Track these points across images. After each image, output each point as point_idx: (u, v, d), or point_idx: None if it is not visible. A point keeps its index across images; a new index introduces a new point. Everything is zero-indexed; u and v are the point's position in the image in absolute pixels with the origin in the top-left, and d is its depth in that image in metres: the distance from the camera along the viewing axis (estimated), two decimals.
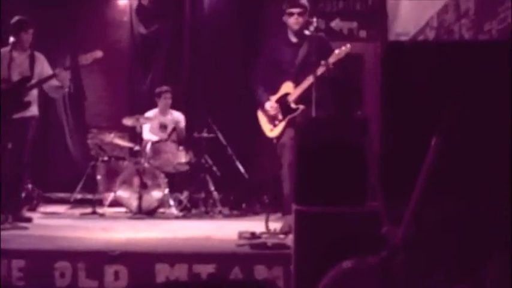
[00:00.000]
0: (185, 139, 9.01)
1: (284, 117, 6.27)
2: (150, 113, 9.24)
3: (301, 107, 6.04)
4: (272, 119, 6.37)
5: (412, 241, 3.00)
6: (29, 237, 6.13)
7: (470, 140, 3.14)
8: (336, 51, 5.94)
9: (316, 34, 6.39)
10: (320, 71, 5.86)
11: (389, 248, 2.99)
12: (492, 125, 3.13)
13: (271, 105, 6.33)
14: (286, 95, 6.24)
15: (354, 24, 10.24)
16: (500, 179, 3.08)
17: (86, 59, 7.39)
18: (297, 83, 6.12)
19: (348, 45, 5.95)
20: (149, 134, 9.07)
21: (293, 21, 6.25)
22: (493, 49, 3.40)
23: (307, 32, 6.26)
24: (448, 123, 3.02)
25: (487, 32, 5.37)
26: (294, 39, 6.35)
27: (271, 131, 6.42)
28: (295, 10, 6.24)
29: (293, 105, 6.13)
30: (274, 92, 6.39)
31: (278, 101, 6.33)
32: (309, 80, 5.95)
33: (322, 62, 5.85)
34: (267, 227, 6.13)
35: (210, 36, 10.58)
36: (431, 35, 7.20)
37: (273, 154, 8.16)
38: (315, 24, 6.20)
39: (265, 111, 6.43)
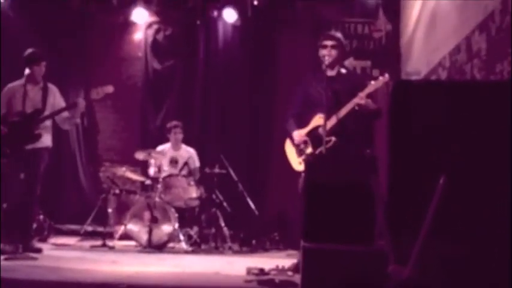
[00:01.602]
0: (198, 175, 9.04)
1: (314, 150, 5.97)
2: (162, 147, 9.27)
3: (333, 139, 5.78)
4: (301, 152, 6.10)
5: (416, 281, 2.99)
6: (38, 268, 6.13)
7: (474, 180, 3.14)
8: (373, 82, 5.86)
9: (350, 70, 6.35)
10: (357, 101, 5.77)
11: (392, 286, 2.99)
12: (497, 167, 3.13)
13: (299, 133, 6.10)
14: (317, 127, 5.97)
15: (368, 63, 10.31)
16: (502, 220, 3.08)
17: (97, 93, 7.48)
18: (329, 114, 5.81)
19: (386, 75, 5.89)
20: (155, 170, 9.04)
21: (326, 53, 6.09)
22: (501, 89, 3.41)
23: (343, 70, 6.24)
24: (454, 164, 3.04)
25: (498, 72, 5.39)
26: (328, 73, 6.07)
27: (299, 164, 6.07)
28: (329, 43, 6.11)
29: (325, 137, 5.75)
30: (305, 126, 6.16)
31: (308, 134, 6.08)
32: (344, 111, 5.83)
33: (359, 94, 5.76)
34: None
35: (223, 73, 10.71)
36: (443, 75, 7.23)
37: (284, 191, 8.20)
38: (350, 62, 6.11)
39: (293, 144, 6.18)
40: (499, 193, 3.13)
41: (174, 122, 9.37)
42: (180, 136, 9.32)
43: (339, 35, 6.33)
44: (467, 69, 6.26)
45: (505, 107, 3.21)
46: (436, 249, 3.09)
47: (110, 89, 7.55)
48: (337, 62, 6.18)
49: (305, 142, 6.06)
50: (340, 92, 5.99)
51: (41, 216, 8.63)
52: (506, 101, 3.22)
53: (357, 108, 5.80)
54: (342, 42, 6.24)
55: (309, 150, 6.02)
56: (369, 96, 5.82)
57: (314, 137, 5.98)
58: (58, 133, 8.01)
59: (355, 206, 4.04)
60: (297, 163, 6.10)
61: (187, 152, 9.35)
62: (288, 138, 6.27)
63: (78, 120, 7.91)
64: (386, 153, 3.63)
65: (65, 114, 7.46)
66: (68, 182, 10.64)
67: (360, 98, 5.76)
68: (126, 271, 6.10)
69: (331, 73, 6.09)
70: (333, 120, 5.84)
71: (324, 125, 5.69)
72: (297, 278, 4.87)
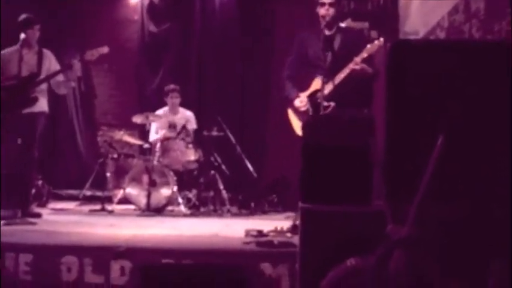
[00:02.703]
0: (195, 138, 9.03)
1: (314, 114, 5.92)
2: (160, 111, 9.25)
3: (332, 104, 5.72)
4: (303, 116, 6.00)
5: (413, 240, 3.00)
6: (37, 233, 6.18)
7: (473, 140, 3.13)
8: (368, 46, 5.76)
9: (349, 27, 6.27)
10: (352, 66, 5.72)
11: (386, 245, 3.00)
12: (496, 126, 3.12)
13: (301, 100, 6.02)
14: (317, 91, 5.89)
15: (366, 25, 10.21)
16: (503, 180, 3.07)
17: (92, 54, 7.46)
18: (328, 78, 5.78)
19: (381, 39, 5.80)
20: (155, 134, 9.02)
21: (324, 12, 5.92)
22: (499, 49, 3.38)
23: (342, 25, 6.13)
24: (452, 123, 3.02)
25: (496, 32, 5.35)
26: (326, 32, 5.95)
27: (301, 129, 5.90)
28: (327, 0, 5.94)
29: (324, 103, 5.72)
30: (304, 88, 6.09)
31: (308, 97, 6.02)
32: (340, 77, 5.77)
33: (355, 58, 5.70)
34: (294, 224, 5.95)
35: (219, 35, 10.64)
36: (441, 35, 7.18)
37: (282, 154, 8.20)
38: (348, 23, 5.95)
39: (295, 108, 6.09)
40: (497, 153, 3.13)
41: (172, 86, 9.32)
42: (178, 100, 9.28)
43: None
44: (466, 29, 6.21)
45: (503, 66, 3.19)
46: (434, 209, 3.09)
47: (105, 49, 7.52)
48: (335, 20, 6.05)
49: (306, 105, 5.99)
50: (339, 51, 5.91)
51: (40, 182, 8.65)
52: (504, 61, 3.20)
53: (352, 73, 5.74)
54: (339, 0, 6.12)
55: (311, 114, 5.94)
56: (364, 60, 5.75)
57: (313, 101, 5.92)
58: (55, 98, 8.00)
59: (352, 167, 4.04)
60: (299, 128, 5.97)
61: (186, 115, 9.31)
62: (289, 105, 6.17)
63: (73, 84, 7.87)
64: (384, 113, 3.62)
65: (60, 77, 7.44)
66: (65, 147, 10.65)
67: (355, 63, 5.72)
68: (124, 234, 6.14)
69: (329, 32, 5.98)
70: (330, 85, 5.77)
71: (322, 90, 5.65)
72: (296, 239, 4.89)
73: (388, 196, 3.38)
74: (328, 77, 5.77)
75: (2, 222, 6.50)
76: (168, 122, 9.14)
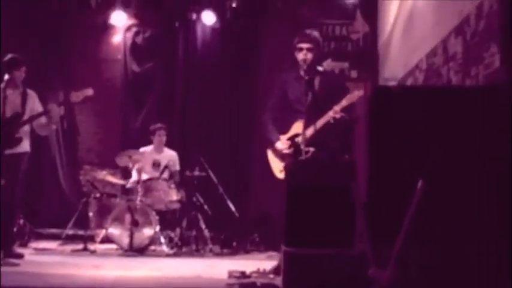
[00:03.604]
0: (178, 178, 9.07)
1: (294, 158, 5.84)
2: (143, 150, 9.28)
3: (311, 149, 5.71)
4: (283, 159, 6.01)
5: (396, 284, 3.05)
6: (20, 274, 6.16)
7: (452, 184, 3.21)
8: (348, 96, 5.75)
9: (328, 70, 6.28)
10: (331, 115, 5.74)
11: None
12: (474, 170, 3.20)
13: (283, 142, 6.03)
14: (297, 135, 5.92)
15: (346, 65, 10.38)
16: (480, 223, 3.15)
17: (77, 96, 7.49)
18: (307, 122, 5.78)
19: (361, 91, 5.80)
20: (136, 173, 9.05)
21: (302, 56, 5.99)
22: (476, 95, 3.48)
23: (319, 68, 6.17)
24: (432, 168, 3.10)
25: (473, 76, 5.47)
26: (305, 75, 5.98)
27: (281, 172, 6.00)
28: (305, 45, 5.99)
29: (303, 147, 5.72)
30: (284, 130, 6.12)
31: (289, 140, 6.03)
32: (320, 123, 5.79)
33: (334, 107, 5.71)
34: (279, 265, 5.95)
35: (202, 75, 10.73)
36: (420, 77, 7.30)
37: (264, 193, 8.23)
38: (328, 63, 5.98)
39: (275, 151, 6.12)
40: (474, 196, 3.20)
41: (159, 124, 9.41)
42: (164, 138, 9.35)
43: (315, 33, 6.18)
44: (444, 72, 6.34)
45: (480, 111, 3.28)
46: (414, 252, 3.15)
47: (89, 91, 7.56)
48: (314, 64, 6.11)
49: (288, 148, 6.00)
50: (319, 95, 5.94)
51: (21, 221, 8.60)
52: (481, 106, 3.29)
53: (332, 121, 5.77)
54: (318, 43, 6.14)
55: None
56: (344, 108, 5.76)
57: (294, 145, 5.94)
58: (38, 136, 7.99)
59: (334, 210, 4.10)
60: (279, 171, 6.05)
61: (170, 155, 9.37)
62: (269, 147, 6.20)
63: (54, 127, 7.89)
64: (365, 158, 3.69)
65: (43, 120, 7.44)
66: (48, 186, 10.59)
67: (335, 112, 5.74)
68: (108, 276, 6.13)
69: (308, 76, 5.99)
70: (310, 130, 5.81)
71: (303, 134, 5.70)
72: (279, 281, 4.91)
73: (370, 239, 3.44)
74: (308, 120, 5.80)
75: None
76: (152, 160, 9.18)
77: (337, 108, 5.73)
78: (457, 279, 3.17)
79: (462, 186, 3.25)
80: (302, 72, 6.04)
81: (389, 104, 3.46)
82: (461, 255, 3.18)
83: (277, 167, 6.09)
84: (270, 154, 6.21)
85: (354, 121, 5.92)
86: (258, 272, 6.03)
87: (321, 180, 4.18)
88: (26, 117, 7.36)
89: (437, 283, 3.19)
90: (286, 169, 5.21)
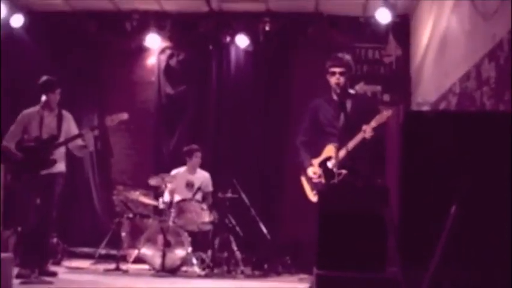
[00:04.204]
0: (211, 199, 9.13)
1: (327, 181, 5.95)
2: (175, 171, 9.38)
3: (344, 172, 5.77)
4: (315, 184, 6.04)
5: None
6: None
7: (485, 208, 3.21)
8: (377, 116, 5.75)
9: (360, 93, 6.26)
10: (361, 135, 5.75)
11: None
12: (506, 194, 3.20)
13: (314, 171, 6.06)
14: (329, 158, 5.97)
15: (378, 88, 10.39)
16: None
17: (112, 120, 7.61)
18: (340, 145, 5.84)
19: (390, 111, 5.83)
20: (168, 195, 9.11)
21: (335, 80, 6.02)
22: (510, 120, 3.47)
23: (351, 91, 6.20)
24: (464, 193, 3.11)
25: (507, 101, 5.46)
26: (336, 98, 6.09)
27: (314, 195, 6.02)
28: (337, 70, 6.01)
29: (335, 170, 5.79)
30: (316, 153, 6.14)
31: (321, 164, 6.06)
32: (350, 145, 5.82)
33: (364, 127, 5.73)
34: None
35: (235, 98, 10.84)
36: (453, 101, 7.30)
37: (296, 216, 8.25)
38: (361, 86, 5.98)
39: (308, 176, 6.15)
40: (506, 220, 3.20)
41: (195, 146, 9.52)
42: (199, 160, 9.46)
43: (347, 57, 6.21)
44: (477, 96, 6.34)
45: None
46: (447, 277, 3.15)
47: (124, 116, 7.67)
48: (346, 87, 6.13)
49: (318, 177, 6.01)
50: (351, 117, 5.97)
51: (55, 239, 8.72)
52: None
53: (364, 141, 5.78)
54: (350, 67, 6.15)
55: (323, 182, 5.99)
56: (373, 128, 5.76)
57: (325, 168, 5.98)
58: (72, 156, 8.11)
59: (367, 234, 4.12)
60: (312, 195, 6.08)
61: (203, 176, 9.46)
62: (303, 172, 6.22)
63: (91, 148, 7.99)
64: (397, 181, 3.71)
65: (79, 142, 7.56)
66: (81, 205, 10.74)
67: (365, 132, 5.74)
68: None
69: (340, 99, 6.06)
70: (342, 152, 5.84)
71: (336, 157, 5.73)
72: None
73: (402, 263, 3.45)
74: (340, 142, 5.83)
75: (19, 281, 6.58)
76: (186, 181, 9.26)
77: (367, 128, 5.74)
78: None
79: (494, 210, 3.25)
80: (334, 96, 6.09)
81: (422, 128, 3.47)
82: (493, 280, 3.18)
83: (311, 192, 6.12)
84: (304, 179, 6.25)
85: (382, 142, 5.91)
86: None
87: (353, 204, 4.20)
88: (61, 139, 7.48)
89: None
90: (319, 193, 5.23)
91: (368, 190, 4.53)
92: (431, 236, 3.18)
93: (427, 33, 8.86)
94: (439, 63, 8.21)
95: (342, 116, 5.99)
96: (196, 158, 9.46)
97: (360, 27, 10.39)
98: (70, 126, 7.67)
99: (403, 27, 10.31)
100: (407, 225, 3.43)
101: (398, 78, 10.34)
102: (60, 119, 7.61)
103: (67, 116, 7.72)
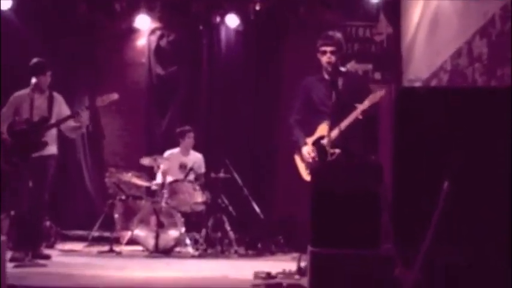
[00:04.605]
0: (203, 180, 9.13)
1: (320, 160, 5.89)
2: (168, 153, 9.38)
3: (337, 151, 5.72)
4: (309, 163, 5.97)
5: (422, 284, 3.07)
6: (48, 275, 6.22)
7: (476, 185, 3.22)
8: (371, 96, 5.75)
9: (351, 71, 6.23)
10: (355, 115, 5.74)
11: None
12: (499, 171, 3.21)
13: (308, 151, 5.99)
14: (323, 137, 5.92)
15: (369, 67, 10.37)
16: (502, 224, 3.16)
17: (103, 100, 7.58)
18: (332, 124, 5.80)
19: (383, 90, 5.82)
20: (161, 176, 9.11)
21: (326, 59, 5.96)
22: (501, 95, 3.47)
23: (342, 69, 6.15)
24: (457, 169, 3.11)
25: (499, 77, 5.46)
26: (327, 77, 6.05)
27: (308, 175, 5.93)
28: (328, 48, 5.96)
29: (328, 149, 5.76)
30: (310, 132, 6.10)
31: (314, 143, 6.02)
32: (344, 124, 5.79)
33: (357, 106, 5.70)
34: (299, 266, 5.99)
35: (226, 78, 10.80)
36: (445, 78, 7.30)
37: (289, 195, 8.27)
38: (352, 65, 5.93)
39: (302, 156, 6.09)
40: (499, 196, 3.21)
41: (187, 127, 9.53)
42: (193, 141, 9.47)
43: (338, 35, 6.14)
44: (469, 73, 6.33)
45: (506, 112, 3.28)
46: (440, 252, 3.17)
47: (114, 96, 7.64)
48: (337, 66, 6.08)
49: (313, 156, 5.96)
50: (343, 96, 5.93)
51: (48, 223, 8.69)
52: (506, 107, 3.30)
53: (357, 121, 5.76)
54: (341, 45, 6.09)
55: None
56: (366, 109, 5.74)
57: (319, 147, 5.93)
58: (63, 139, 8.08)
59: (361, 211, 4.12)
60: (306, 174, 6.04)
61: (196, 157, 9.47)
62: (296, 151, 6.18)
63: (84, 129, 7.96)
64: (390, 159, 3.71)
65: (71, 123, 7.52)
66: (74, 188, 10.70)
67: (358, 113, 5.73)
68: (134, 277, 6.19)
69: (331, 78, 6.02)
70: (335, 132, 5.81)
71: (329, 136, 5.72)
72: (304, 281, 4.94)
73: (396, 240, 3.46)
74: (333, 121, 5.81)
75: (13, 264, 6.56)
76: (179, 162, 9.26)
77: (360, 108, 5.72)
78: (482, 279, 3.18)
79: (486, 186, 3.26)
80: (325, 74, 6.06)
81: (414, 104, 3.48)
82: (486, 255, 3.19)
83: (305, 171, 6.09)
84: (297, 158, 6.20)
85: (376, 120, 5.90)
86: (283, 273, 6.06)
87: (347, 182, 4.21)
88: (52, 120, 7.45)
89: (463, 283, 3.21)
90: (313, 172, 5.23)
91: (362, 168, 4.53)
92: (424, 212, 3.19)
93: (418, 11, 8.84)
94: (430, 42, 8.19)
95: (334, 95, 5.93)
96: (189, 139, 9.45)
97: (351, 5, 10.35)
98: (61, 108, 7.63)
99: (394, 6, 10.27)
100: (400, 201, 3.44)
101: (390, 56, 10.32)
102: (51, 101, 7.56)
103: (58, 98, 7.68)
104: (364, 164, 5.13)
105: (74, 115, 7.49)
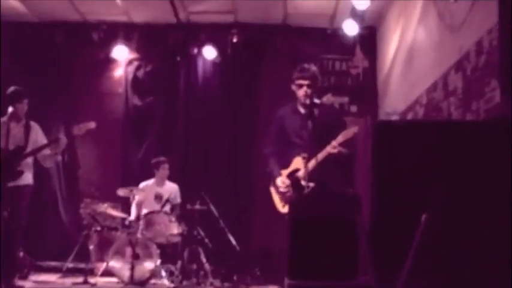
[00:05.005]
0: (178, 211, 9.10)
1: (296, 193, 5.84)
2: (144, 184, 9.35)
3: (311, 184, 5.61)
4: (284, 195, 5.95)
5: None
6: None
7: (456, 216, 3.24)
8: (344, 132, 5.70)
9: (326, 103, 6.23)
10: (328, 150, 5.67)
11: None
12: (476, 202, 3.23)
13: (282, 181, 5.95)
14: (297, 170, 5.87)
15: (345, 99, 10.46)
16: (484, 254, 3.18)
17: (80, 129, 7.56)
18: (308, 156, 5.69)
19: (356, 127, 5.78)
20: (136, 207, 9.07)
21: (302, 93, 5.93)
22: (479, 129, 3.52)
23: (317, 101, 6.09)
24: (435, 201, 3.14)
25: (474, 111, 5.53)
26: (302, 110, 6.02)
27: (283, 207, 5.94)
28: (305, 82, 5.92)
29: (303, 183, 5.66)
30: (285, 163, 6.04)
31: (289, 176, 5.96)
32: (320, 157, 5.71)
33: (332, 142, 5.64)
34: None
35: (203, 109, 10.83)
36: (420, 111, 7.38)
37: (265, 227, 8.25)
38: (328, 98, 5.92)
39: (276, 188, 6.04)
40: (477, 228, 3.24)
41: (162, 158, 9.51)
42: (167, 172, 9.44)
43: (313, 69, 6.11)
44: (444, 107, 6.41)
45: (481, 145, 3.32)
46: (419, 283, 3.17)
47: (91, 125, 7.62)
48: (313, 98, 6.01)
49: (287, 187, 5.92)
50: (320, 127, 5.86)
51: (21, 253, 8.58)
52: (482, 140, 3.34)
53: (331, 156, 5.71)
54: (316, 79, 6.07)
55: (291, 194, 5.90)
56: (341, 143, 5.71)
57: (294, 180, 5.88)
58: (39, 169, 8.02)
59: (338, 242, 4.13)
60: (281, 206, 6.00)
61: (171, 188, 9.44)
62: (272, 183, 6.12)
63: (60, 157, 7.92)
64: (367, 191, 3.73)
65: (47, 151, 7.49)
66: (48, 218, 10.57)
67: (332, 147, 5.68)
68: None
69: (306, 110, 5.99)
70: (312, 164, 5.73)
71: (305, 168, 5.66)
72: None
73: (374, 270, 3.46)
74: (309, 153, 5.73)
75: None
76: (154, 193, 9.23)
77: (334, 143, 5.68)
78: None
79: (465, 218, 3.28)
80: (300, 107, 6.05)
81: (391, 137, 3.50)
82: (465, 286, 3.21)
83: (280, 204, 6.05)
84: (273, 190, 6.15)
85: (351, 153, 5.88)
86: None
87: (324, 213, 4.22)
88: (29, 149, 7.40)
89: None
90: (290, 203, 5.22)
91: (339, 198, 4.54)
92: (402, 245, 3.20)
93: (394, 45, 8.95)
94: (406, 75, 8.29)
95: (309, 127, 5.87)
96: (164, 170, 9.44)
97: (327, 38, 10.48)
98: (38, 136, 7.59)
99: (370, 39, 10.41)
100: (378, 233, 3.45)
101: (365, 89, 10.43)
102: (27, 129, 7.53)
103: (35, 126, 7.64)
104: (342, 194, 5.15)
105: (50, 143, 7.45)
